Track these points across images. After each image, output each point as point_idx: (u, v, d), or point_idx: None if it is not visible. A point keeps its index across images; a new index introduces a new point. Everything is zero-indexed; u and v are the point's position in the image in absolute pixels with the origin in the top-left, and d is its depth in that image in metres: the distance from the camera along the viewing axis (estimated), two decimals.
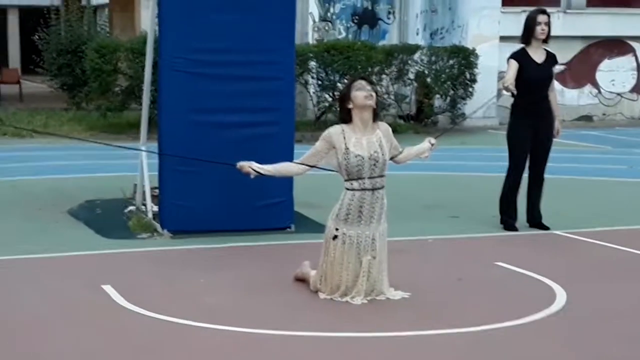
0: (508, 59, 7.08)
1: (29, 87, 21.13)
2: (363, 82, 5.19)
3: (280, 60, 6.81)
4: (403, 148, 5.39)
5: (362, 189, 5.10)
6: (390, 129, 5.29)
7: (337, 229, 5.14)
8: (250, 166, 5.24)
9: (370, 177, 5.10)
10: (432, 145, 5.45)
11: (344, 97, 5.17)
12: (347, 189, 5.14)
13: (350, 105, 5.13)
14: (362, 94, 5.11)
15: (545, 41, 7.13)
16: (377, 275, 5.18)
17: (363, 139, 5.12)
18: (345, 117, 5.18)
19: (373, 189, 5.12)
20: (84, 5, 18.77)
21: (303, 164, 5.23)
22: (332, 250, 5.16)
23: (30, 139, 12.51)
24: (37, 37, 17.29)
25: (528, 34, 7.09)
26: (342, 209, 5.14)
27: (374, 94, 5.15)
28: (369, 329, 4.69)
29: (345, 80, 14.02)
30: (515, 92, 6.86)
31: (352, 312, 4.99)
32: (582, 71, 16.69)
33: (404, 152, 5.37)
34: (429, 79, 14.79)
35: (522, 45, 7.14)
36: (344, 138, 5.10)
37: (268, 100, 6.78)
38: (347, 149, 5.09)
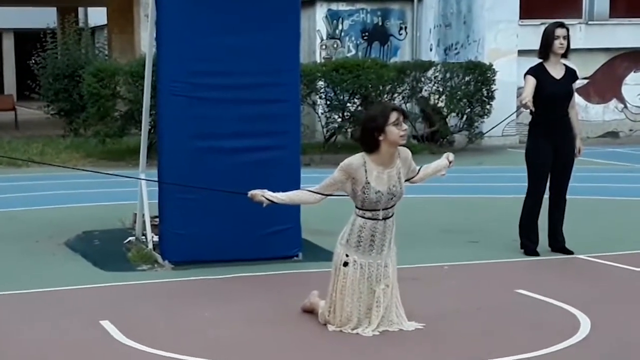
0: (525, 75, 7.11)
1: (25, 114, 21.32)
2: (402, 116, 5.07)
3: (285, 81, 6.86)
4: (420, 167, 5.39)
5: (375, 219, 5.12)
6: (410, 154, 5.27)
7: (347, 255, 5.15)
8: (263, 194, 5.26)
9: (384, 209, 5.13)
10: (450, 162, 5.45)
11: (376, 128, 5.04)
12: (358, 215, 5.16)
13: (382, 138, 5.08)
14: (399, 132, 5.04)
15: (564, 56, 7.16)
16: (390, 303, 5.19)
17: (384, 173, 5.10)
18: (371, 147, 5.08)
19: (385, 218, 5.14)
20: (81, 27, 18.95)
21: (319, 193, 5.23)
22: (342, 278, 5.16)
23: (26, 169, 12.61)
24: (33, 61, 17.47)
25: (546, 49, 7.12)
26: (353, 235, 5.14)
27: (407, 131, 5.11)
28: None
29: (356, 100, 14.11)
30: (533, 110, 6.88)
31: (364, 345, 4.98)
32: (606, 85, 16.70)
33: (420, 173, 5.38)
34: (443, 97, 14.83)
35: (540, 60, 7.18)
36: (365, 171, 5.07)
37: (272, 124, 6.83)
38: (368, 183, 5.07)
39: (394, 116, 5.05)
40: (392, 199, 5.11)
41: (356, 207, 5.16)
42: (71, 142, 15.32)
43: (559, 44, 7.06)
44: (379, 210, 5.11)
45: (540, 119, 7.05)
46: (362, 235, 5.12)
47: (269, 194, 5.25)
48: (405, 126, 5.08)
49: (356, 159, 5.11)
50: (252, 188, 5.35)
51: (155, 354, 4.82)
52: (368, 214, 5.11)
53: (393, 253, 5.22)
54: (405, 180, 5.26)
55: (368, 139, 5.08)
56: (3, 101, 20.79)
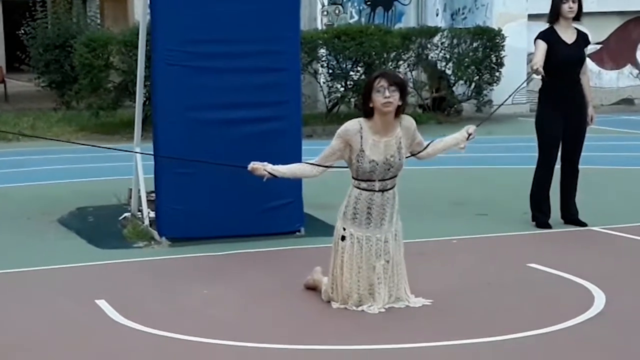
0: (535, 40, 7.08)
1: (15, 86, 21.26)
2: (384, 82, 5.03)
3: (285, 49, 6.81)
4: (428, 143, 5.34)
5: (371, 190, 5.11)
6: (414, 124, 5.22)
7: (344, 229, 5.15)
8: (264, 168, 5.25)
9: (380, 180, 5.11)
10: (470, 135, 5.39)
11: (365, 94, 5.10)
12: (354, 186, 5.16)
13: (372, 105, 5.07)
14: (380, 99, 5.02)
15: (576, 19, 7.11)
16: (394, 279, 5.18)
17: (381, 142, 5.07)
18: (366, 113, 5.13)
19: (382, 191, 5.12)
20: None
21: (319, 165, 5.22)
22: (340, 253, 5.16)
23: (16, 143, 12.60)
24: (22, 31, 17.40)
25: (555, 13, 7.08)
26: (349, 207, 5.14)
27: (396, 97, 5.02)
28: (388, 340, 4.70)
29: (359, 69, 14.04)
30: (544, 75, 6.85)
31: (369, 322, 4.99)
32: (620, 50, 16.60)
33: (428, 148, 5.32)
34: (450, 64, 14.76)
35: (550, 25, 7.13)
36: (361, 138, 5.06)
37: (272, 94, 6.79)
38: (363, 151, 5.06)
39: (377, 82, 5.05)
40: (389, 169, 5.08)
41: (352, 177, 5.16)
42: (63, 115, 15.28)
43: (568, 8, 7.01)
44: (374, 180, 5.09)
45: (551, 85, 7.03)
46: (358, 207, 5.11)
47: (270, 167, 5.25)
48: (388, 93, 5.01)
49: (352, 125, 5.11)
50: (252, 161, 5.33)
51: (152, 334, 4.84)
52: (363, 184, 5.10)
53: (395, 228, 5.19)
54: (411, 155, 5.23)
55: (363, 105, 5.18)
56: None
